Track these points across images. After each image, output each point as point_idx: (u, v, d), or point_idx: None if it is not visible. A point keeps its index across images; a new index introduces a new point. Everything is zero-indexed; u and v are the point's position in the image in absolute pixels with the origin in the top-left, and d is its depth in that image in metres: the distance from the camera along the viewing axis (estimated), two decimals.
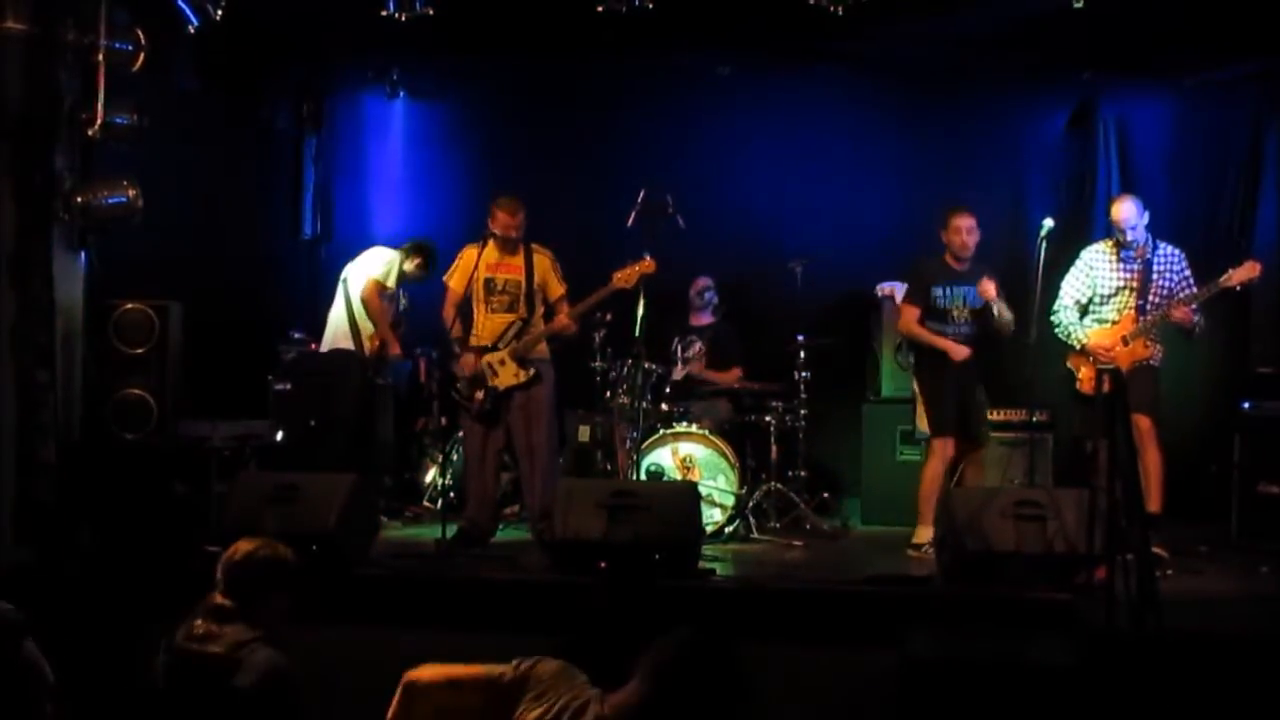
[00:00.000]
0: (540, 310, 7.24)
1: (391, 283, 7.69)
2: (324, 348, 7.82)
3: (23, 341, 6.57)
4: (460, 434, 8.48)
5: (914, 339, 7.47)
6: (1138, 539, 4.99)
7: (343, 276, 7.90)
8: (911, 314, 7.40)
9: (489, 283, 7.15)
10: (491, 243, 7.16)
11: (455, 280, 7.22)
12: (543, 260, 7.25)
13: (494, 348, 7.12)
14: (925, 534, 7.01)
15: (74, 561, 6.31)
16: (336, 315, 7.80)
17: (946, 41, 8.33)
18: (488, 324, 7.17)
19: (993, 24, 7.94)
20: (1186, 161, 8.80)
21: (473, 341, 7.17)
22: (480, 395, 7.06)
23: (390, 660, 3.49)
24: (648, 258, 7.18)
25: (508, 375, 7.08)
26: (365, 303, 7.59)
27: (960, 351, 7.22)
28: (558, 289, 7.29)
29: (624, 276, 7.16)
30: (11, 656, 3.36)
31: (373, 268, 7.74)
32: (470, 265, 7.16)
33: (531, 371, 7.11)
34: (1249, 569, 6.63)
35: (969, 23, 7.97)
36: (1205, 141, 8.79)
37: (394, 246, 8.14)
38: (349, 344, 7.63)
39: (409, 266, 7.95)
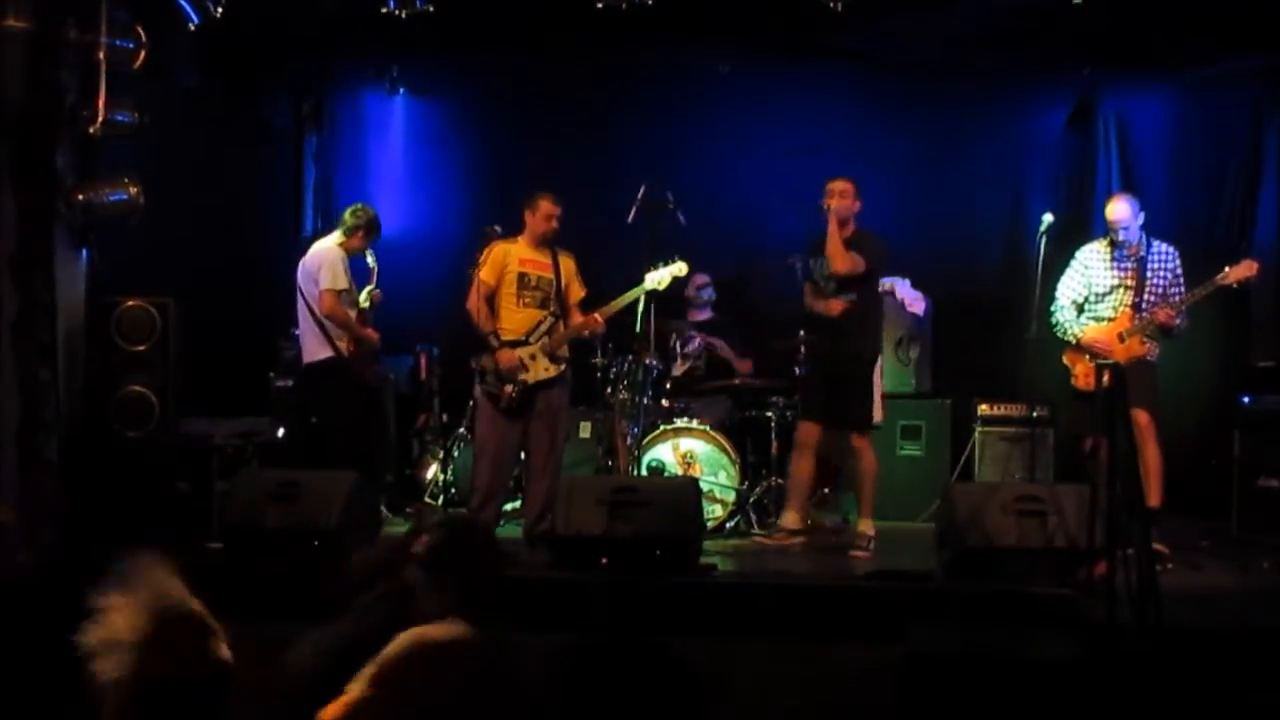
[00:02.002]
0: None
1: (342, 284, 7.43)
2: (305, 359, 7.68)
3: (24, 339, 6.59)
4: (461, 430, 8.51)
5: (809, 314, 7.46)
6: (1138, 534, 5.01)
7: (299, 286, 7.62)
8: (807, 290, 7.41)
9: (523, 277, 7.14)
10: (524, 238, 7.18)
11: (487, 272, 7.14)
12: (568, 263, 7.28)
13: (525, 341, 7.12)
14: (790, 519, 7.21)
15: (76, 559, 6.32)
16: (305, 324, 7.59)
17: (946, 37, 8.33)
18: (517, 318, 7.14)
19: (993, 20, 7.94)
20: (1187, 157, 8.80)
21: (502, 336, 7.13)
22: (510, 389, 7.06)
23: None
24: (680, 261, 7.26)
25: (539, 370, 7.08)
26: (330, 317, 7.40)
27: (833, 306, 7.19)
28: (579, 292, 7.32)
29: (656, 277, 7.24)
30: None
31: (321, 277, 7.45)
32: (502, 259, 7.14)
33: (562, 367, 7.13)
34: (1249, 563, 6.64)
35: (969, 18, 7.97)
36: (1206, 137, 8.79)
37: (374, 241, 7.79)
38: (327, 350, 7.50)
39: (354, 244, 7.62)
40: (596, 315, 7.21)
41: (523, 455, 7.38)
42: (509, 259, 7.15)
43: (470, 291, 7.17)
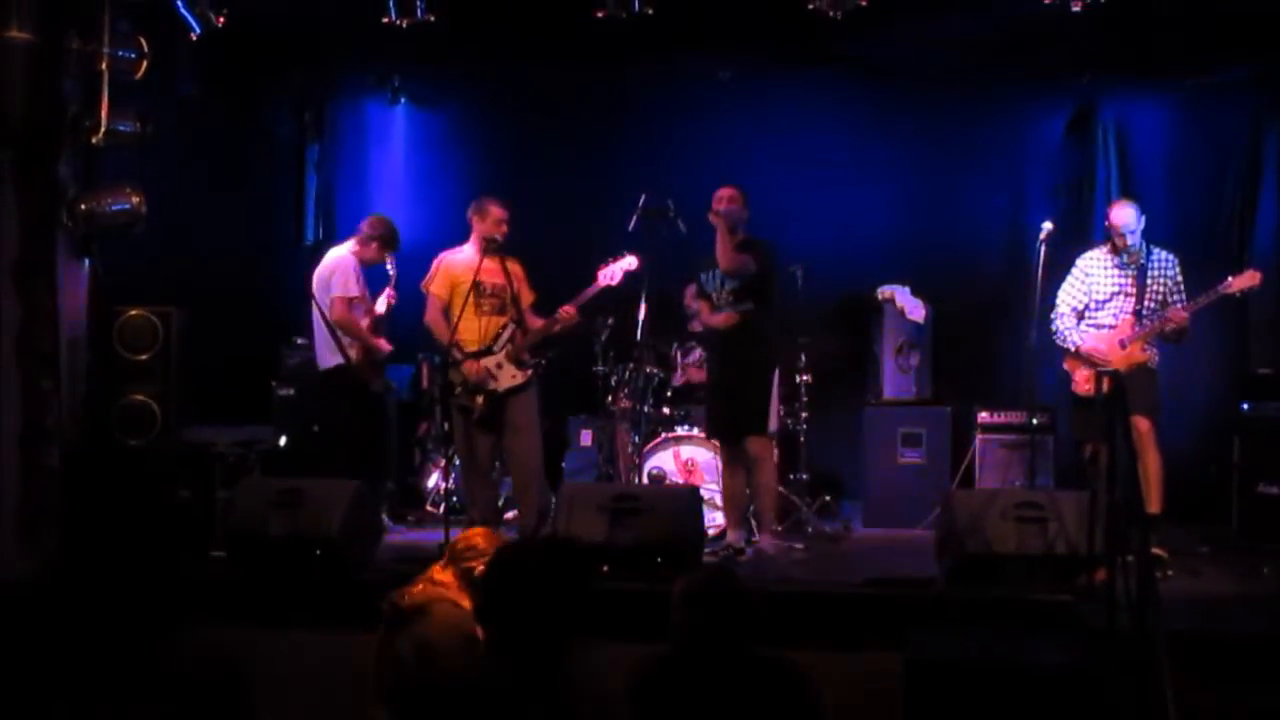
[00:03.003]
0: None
1: (355, 291, 7.48)
2: (319, 365, 7.64)
3: (27, 348, 6.61)
4: None
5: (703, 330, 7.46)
6: (1137, 540, 5.01)
7: (313, 293, 7.62)
8: (702, 308, 7.41)
9: (478, 286, 7.10)
10: (471, 247, 7.16)
11: (437, 286, 7.16)
12: (516, 268, 7.27)
13: (490, 350, 7.12)
14: (733, 537, 7.12)
15: (78, 568, 6.34)
16: (318, 332, 7.62)
17: (946, 45, 8.36)
18: (478, 326, 7.11)
19: (992, 28, 7.96)
20: (1186, 164, 8.81)
21: (465, 347, 7.12)
22: (481, 400, 7.07)
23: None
24: (629, 255, 7.24)
25: (506, 377, 7.07)
26: (341, 324, 7.41)
27: (718, 319, 7.13)
28: (529, 296, 7.31)
29: (609, 273, 7.23)
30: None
31: (334, 284, 7.47)
32: (451, 271, 7.13)
33: (529, 372, 7.12)
34: (1249, 570, 6.65)
35: (969, 26, 8.00)
36: (1205, 144, 8.80)
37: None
38: (338, 358, 7.51)
39: (369, 255, 7.67)
40: (568, 308, 7.13)
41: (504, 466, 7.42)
42: (458, 270, 7.12)
43: (426, 306, 7.19)
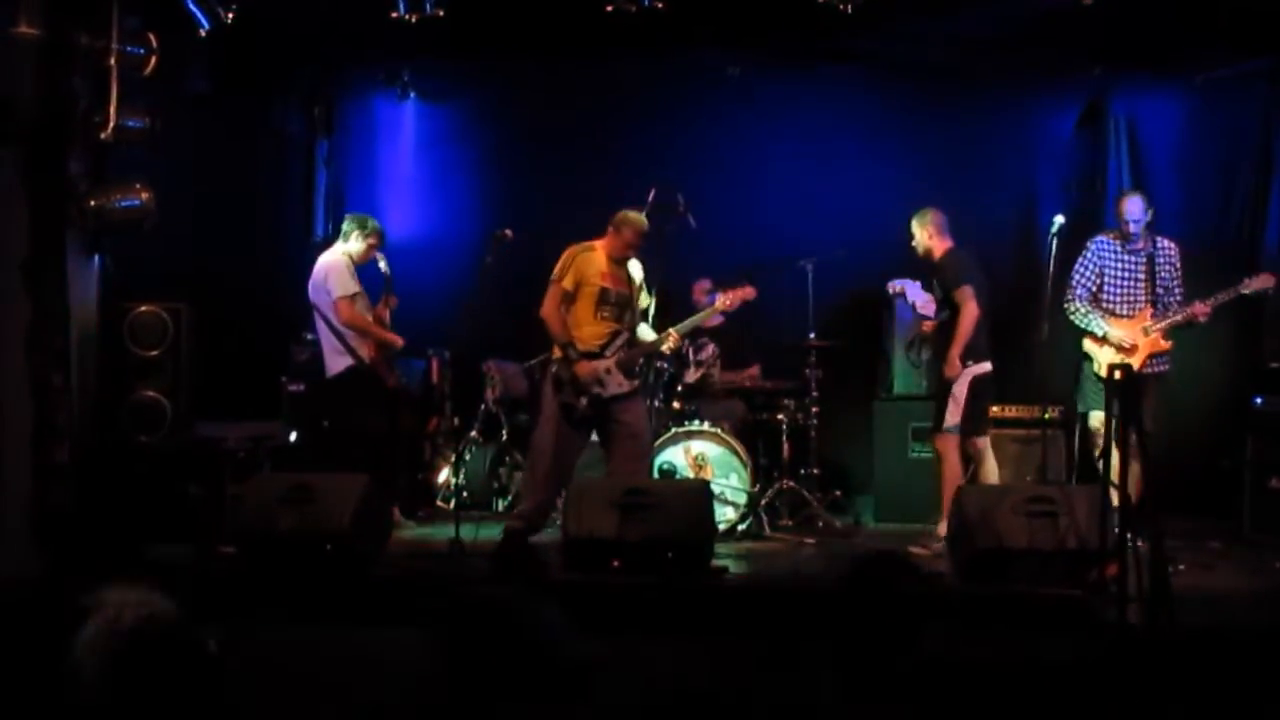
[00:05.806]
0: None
1: (353, 288, 7.44)
2: (328, 372, 7.58)
3: (37, 345, 6.61)
4: (473, 434, 8.54)
5: None
6: (1150, 536, 5.00)
7: (312, 302, 7.57)
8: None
9: (604, 292, 7.01)
10: (603, 250, 7.06)
11: (569, 281, 7.00)
12: (637, 272, 7.20)
13: (600, 354, 7.01)
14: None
15: (88, 565, 6.34)
16: (323, 338, 7.57)
17: (956, 40, 8.33)
18: (593, 330, 7.02)
19: (1003, 22, 7.93)
20: (1197, 158, 8.79)
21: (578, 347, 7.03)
22: (584, 402, 6.97)
23: (404, 661, 3.50)
24: (748, 286, 7.41)
25: (613, 384, 6.97)
26: (350, 324, 7.38)
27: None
28: (644, 301, 7.27)
29: (727, 301, 7.36)
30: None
31: (331, 286, 7.41)
32: (583, 269, 7.00)
33: (636, 382, 7.08)
34: (1261, 564, 6.63)
35: (979, 21, 7.97)
36: (1216, 138, 8.77)
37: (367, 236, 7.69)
38: (347, 360, 7.48)
39: (359, 250, 7.57)
40: (673, 332, 7.17)
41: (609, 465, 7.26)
42: (590, 270, 7.00)
43: (546, 298, 7.03)
